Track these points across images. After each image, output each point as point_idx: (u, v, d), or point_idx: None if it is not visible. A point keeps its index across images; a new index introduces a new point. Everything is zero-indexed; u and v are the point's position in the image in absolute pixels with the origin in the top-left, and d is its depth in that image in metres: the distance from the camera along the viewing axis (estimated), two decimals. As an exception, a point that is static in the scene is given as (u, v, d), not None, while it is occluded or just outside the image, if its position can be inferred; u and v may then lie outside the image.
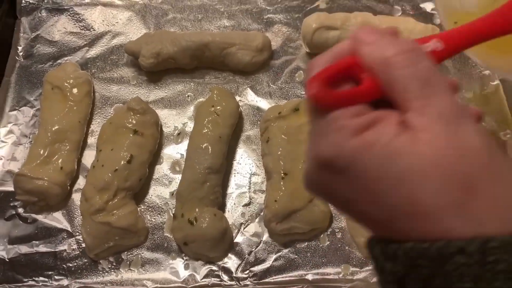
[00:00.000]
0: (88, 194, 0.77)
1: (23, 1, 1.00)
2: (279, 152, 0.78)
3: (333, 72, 0.37)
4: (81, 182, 0.84)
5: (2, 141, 0.88)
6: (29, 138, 0.88)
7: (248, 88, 0.91)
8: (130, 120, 0.82)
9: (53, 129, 0.83)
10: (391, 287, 0.33)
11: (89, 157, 0.86)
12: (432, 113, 0.32)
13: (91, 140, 0.88)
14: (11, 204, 0.83)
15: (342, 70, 0.37)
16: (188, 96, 0.91)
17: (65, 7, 1.00)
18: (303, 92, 0.89)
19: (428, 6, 0.96)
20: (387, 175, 0.32)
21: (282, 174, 0.76)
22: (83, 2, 1.01)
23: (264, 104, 0.89)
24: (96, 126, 0.89)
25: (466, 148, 0.32)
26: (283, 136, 0.79)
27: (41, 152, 0.82)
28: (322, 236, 0.76)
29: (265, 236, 0.77)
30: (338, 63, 0.37)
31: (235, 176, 0.83)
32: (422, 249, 0.31)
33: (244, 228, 0.78)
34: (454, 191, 0.31)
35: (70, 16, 1.00)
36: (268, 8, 0.98)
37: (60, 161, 0.82)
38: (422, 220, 0.32)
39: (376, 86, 0.35)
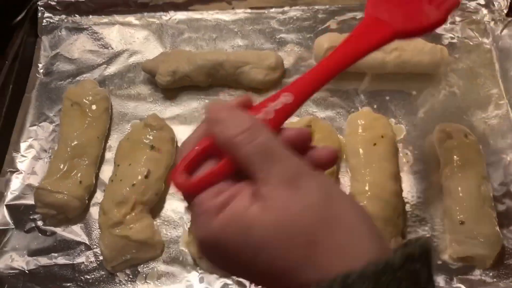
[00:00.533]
0: (106, 207, 0.80)
1: (44, 21, 1.04)
2: (292, 168, 0.80)
3: (192, 158, 0.41)
4: (98, 196, 0.86)
5: (23, 156, 0.91)
6: (49, 152, 0.91)
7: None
8: (147, 136, 0.85)
9: (73, 144, 0.86)
10: None
11: (106, 171, 0.88)
12: (274, 181, 0.37)
13: (109, 155, 0.90)
14: (31, 217, 0.85)
15: (201, 153, 0.41)
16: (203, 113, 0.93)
17: (84, 26, 1.04)
18: (315, 110, 0.92)
19: (436, 27, 0.98)
20: (245, 249, 0.37)
21: (295, 190, 0.78)
22: (102, 21, 1.05)
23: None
24: (113, 141, 0.91)
25: (307, 204, 0.37)
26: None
27: (61, 166, 0.84)
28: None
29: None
30: (197, 148, 0.42)
31: (248, 191, 0.85)
32: None
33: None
34: (300, 248, 0.36)
35: (89, 35, 1.03)
36: (280, 28, 1.01)
37: (79, 175, 0.84)
38: (285, 281, 0.36)
39: (231, 162, 0.40)
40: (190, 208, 0.41)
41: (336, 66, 0.51)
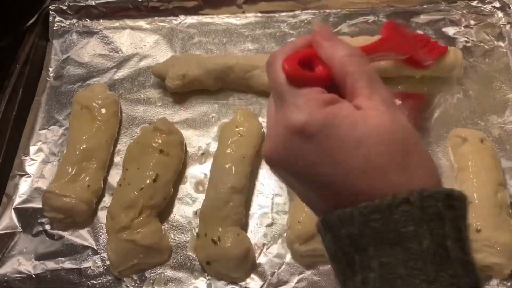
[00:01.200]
0: (114, 211, 0.79)
1: (55, 25, 1.05)
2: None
3: (301, 57, 0.45)
4: (107, 200, 0.85)
5: (32, 159, 0.91)
6: (58, 156, 0.91)
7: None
8: (156, 140, 0.84)
9: (81, 147, 0.86)
10: (346, 250, 0.39)
11: (115, 175, 0.87)
12: (377, 99, 0.42)
13: (117, 159, 0.89)
14: (39, 221, 0.84)
15: (306, 57, 0.45)
16: (212, 117, 0.93)
17: (95, 30, 1.04)
18: (326, 114, 0.90)
19: (450, 31, 0.97)
20: (348, 138, 0.40)
21: (306, 195, 0.76)
22: (112, 25, 1.05)
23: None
24: (122, 145, 0.91)
25: (401, 124, 0.41)
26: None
27: (69, 170, 0.84)
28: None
29: (288, 258, 0.77)
30: (302, 51, 0.46)
31: (257, 196, 0.84)
32: (374, 205, 0.38)
33: (267, 249, 0.78)
34: (397, 153, 0.40)
35: (99, 39, 1.03)
36: (291, 32, 1.00)
37: (87, 179, 0.84)
38: (373, 176, 0.39)
39: (329, 75, 0.44)
40: (286, 96, 0.43)
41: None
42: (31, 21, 1.07)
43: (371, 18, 0.99)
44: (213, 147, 0.88)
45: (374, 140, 0.40)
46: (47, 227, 0.84)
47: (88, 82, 0.99)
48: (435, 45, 0.88)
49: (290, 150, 0.42)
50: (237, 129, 0.84)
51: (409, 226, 0.38)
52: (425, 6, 0.99)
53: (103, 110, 0.90)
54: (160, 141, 0.84)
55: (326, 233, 0.42)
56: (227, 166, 0.81)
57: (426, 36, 0.90)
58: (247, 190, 0.81)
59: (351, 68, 0.43)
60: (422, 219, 0.38)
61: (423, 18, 0.98)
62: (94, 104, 0.90)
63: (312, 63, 0.45)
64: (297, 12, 1.02)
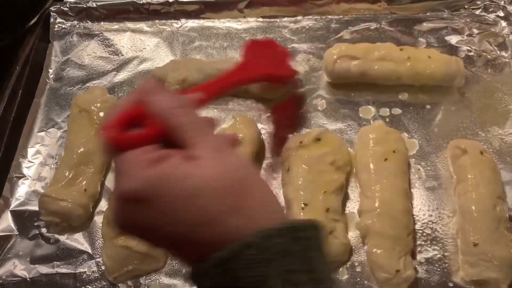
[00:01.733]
0: (110, 217, 0.79)
1: (56, 26, 1.04)
2: (300, 182, 0.78)
3: (124, 117, 0.45)
4: (103, 204, 0.85)
5: (30, 161, 0.90)
6: (55, 159, 0.90)
7: (271, 115, 0.91)
8: (153, 145, 0.84)
9: (79, 151, 0.85)
10: None
11: (112, 179, 0.87)
12: (206, 146, 0.43)
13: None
14: (35, 224, 0.84)
15: (131, 116, 0.45)
16: (210, 122, 0.92)
17: (96, 33, 1.04)
18: (325, 122, 0.90)
19: (453, 39, 0.96)
20: (180, 193, 0.40)
21: (302, 204, 0.76)
22: (113, 28, 1.04)
23: (286, 132, 0.89)
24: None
25: (231, 166, 0.43)
26: (303, 165, 0.79)
27: (67, 173, 0.84)
28: (341, 269, 0.75)
29: (284, 267, 0.76)
30: (127, 110, 0.45)
31: (255, 204, 0.83)
32: (220, 257, 0.39)
33: (262, 258, 0.78)
34: (231, 198, 0.41)
35: (100, 41, 1.03)
36: (292, 37, 0.99)
37: (84, 183, 0.84)
38: (214, 226, 0.40)
39: (160, 130, 0.44)
40: (116, 164, 0.43)
41: (237, 79, 0.75)
42: (32, 22, 1.07)
43: (373, 25, 0.99)
44: (211, 153, 0.88)
45: (206, 190, 0.40)
46: (43, 230, 0.84)
47: (87, 84, 0.98)
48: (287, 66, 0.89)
49: (128, 218, 0.42)
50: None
51: (257, 269, 0.39)
52: (428, 14, 0.99)
53: (102, 114, 0.89)
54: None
55: (196, 285, 0.42)
56: (224, 173, 0.80)
57: (286, 52, 0.91)
58: (244, 197, 0.81)
59: (178, 120, 0.44)
60: (267, 259, 0.39)
61: (425, 26, 0.98)
62: (93, 107, 0.89)
63: (143, 121, 0.45)
64: (299, 17, 1.01)
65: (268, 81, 0.87)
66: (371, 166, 0.79)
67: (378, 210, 0.74)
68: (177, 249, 0.43)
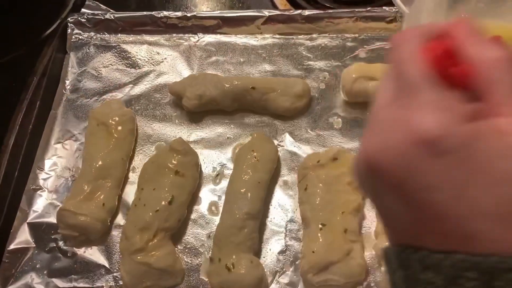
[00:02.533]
0: (129, 233, 0.79)
1: (73, 37, 1.05)
2: (317, 202, 0.79)
3: (443, 48, 0.36)
4: (120, 217, 0.86)
5: (46, 173, 0.91)
6: (72, 171, 0.91)
7: (287, 133, 0.92)
8: (172, 161, 0.84)
9: (97, 165, 0.86)
10: None
11: (129, 193, 0.88)
12: None
13: (133, 176, 0.90)
14: (52, 237, 0.85)
15: (446, 51, 0.36)
16: (227, 138, 0.93)
17: (113, 44, 1.04)
18: (341, 141, 0.91)
19: (467, 61, 0.97)
20: (487, 173, 0.31)
21: (320, 225, 0.77)
22: (130, 40, 1.05)
23: (302, 150, 0.90)
24: (137, 162, 0.91)
25: None
26: (321, 185, 0.80)
27: (85, 187, 0.84)
28: (357, 289, 0.77)
29: (300, 286, 0.77)
30: (443, 42, 0.37)
31: (271, 221, 0.84)
32: (473, 262, 0.30)
33: (279, 276, 0.79)
34: None
35: (117, 53, 1.04)
36: (308, 55, 1.00)
37: (102, 197, 0.84)
38: (508, 225, 0.31)
39: (470, 78, 0.35)
40: (426, 94, 0.34)
41: None
42: (48, 31, 1.08)
43: (388, 44, 1.00)
44: (227, 168, 0.89)
45: None
46: (61, 243, 0.84)
47: (104, 96, 0.99)
48: None
49: (408, 161, 0.33)
50: (252, 153, 0.85)
51: None
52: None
53: (120, 127, 0.90)
54: (176, 162, 0.85)
55: (397, 268, 0.34)
56: (242, 191, 0.81)
57: None
58: (261, 215, 0.82)
59: (501, 76, 0.34)
60: None
61: (440, 47, 0.99)
62: (111, 121, 0.90)
63: (450, 59, 0.36)
64: (314, 35, 1.02)
65: None
66: (388, 187, 0.80)
67: (396, 232, 0.75)
68: (422, 222, 0.33)
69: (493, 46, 0.36)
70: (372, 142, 0.35)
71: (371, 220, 0.82)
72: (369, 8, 1.00)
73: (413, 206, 0.33)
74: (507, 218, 0.31)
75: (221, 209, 0.84)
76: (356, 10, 1.00)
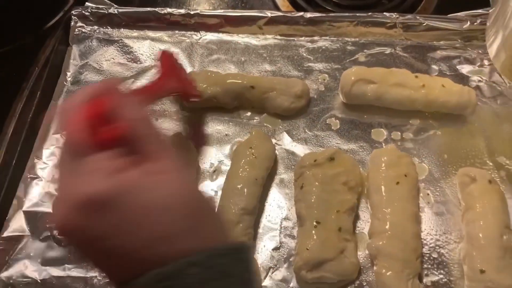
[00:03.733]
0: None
1: (76, 30, 1.05)
2: (313, 200, 0.80)
3: (92, 115, 0.45)
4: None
5: (44, 163, 0.91)
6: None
7: (285, 132, 0.93)
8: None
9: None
10: None
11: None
12: (167, 163, 0.44)
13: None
14: (48, 226, 0.85)
15: (98, 114, 0.46)
16: (226, 135, 0.94)
17: (115, 39, 1.05)
18: (338, 141, 0.92)
19: (464, 69, 0.98)
20: (139, 207, 0.41)
21: (315, 223, 0.77)
22: (133, 35, 1.06)
23: (299, 149, 0.91)
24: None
25: (190, 186, 0.45)
26: (317, 183, 0.81)
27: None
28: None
29: (293, 283, 0.78)
30: (95, 106, 0.46)
31: (266, 218, 0.85)
32: (164, 271, 0.39)
33: (272, 273, 0.79)
34: (189, 219, 0.42)
35: (119, 47, 1.04)
36: (309, 57, 1.01)
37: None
38: (169, 244, 0.41)
39: (122, 133, 0.45)
40: (72, 163, 0.43)
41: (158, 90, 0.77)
42: (52, 22, 1.09)
43: (388, 49, 1.01)
44: (225, 165, 0.90)
45: (165, 207, 0.41)
46: (56, 232, 0.84)
47: (105, 89, 0.99)
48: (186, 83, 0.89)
49: (80, 223, 0.41)
50: (251, 150, 0.86)
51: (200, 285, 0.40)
52: (441, 42, 1.01)
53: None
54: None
55: None
56: (239, 186, 0.82)
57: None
58: (257, 211, 0.83)
59: (141, 131, 0.45)
60: (209, 279, 0.40)
61: (439, 53, 1.00)
62: (110, 113, 0.90)
63: (104, 116, 0.46)
64: (316, 37, 1.03)
65: (178, 93, 0.90)
66: (383, 188, 0.81)
67: (389, 232, 0.76)
68: (116, 265, 0.42)
69: (133, 106, 0.47)
70: (56, 210, 0.44)
71: (365, 220, 0.83)
72: (370, 14, 1.01)
73: (102, 251, 0.42)
74: (165, 237, 0.41)
75: (217, 204, 0.85)
76: (358, 14, 1.02)
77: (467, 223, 0.79)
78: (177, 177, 0.44)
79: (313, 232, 0.77)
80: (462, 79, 0.97)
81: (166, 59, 0.84)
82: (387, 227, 0.77)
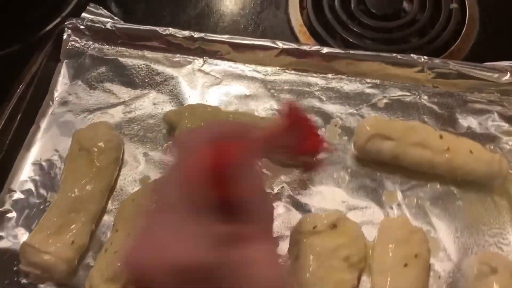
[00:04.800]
0: (95, 282, 0.71)
1: (69, 44, 0.96)
2: (307, 276, 0.70)
3: (217, 164, 0.43)
4: (90, 257, 0.78)
5: (19, 195, 0.83)
6: (48, 195, 0.83)
7: (285, 184, 0.83)
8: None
9: (72, 195, 0.78)
10: None
11: (105, 225, 0.80)
12: (271, 249, 0.45)
13: (112, 206, 0.82)
14: (14, 269, 0.77)
15: (223, 166, 0.43)
16: (220, 181, 0.84)
17: (110, 57, 0.96)
18: (344, 200, 0.81)
19: (498, 128, 0.86)
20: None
21: (307, 306, 0.68)
22: (130, 55, 0.96)
23: (299, 207, 0.81)
24: (119, 192, 0.83)
25: (282, 278, 0.44)
26: (313, 257, 0.71)
27: (55, 219, 0.77)
28: None
29: None
30: (221, 154, 0.44)
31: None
32: None
33: None
34: None
35: (113, 68, 0.95)
36: (321, 97, 0.90)
37: (73, 232, 0.76)
38: None
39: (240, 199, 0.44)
40: (185, 216, 0.42)
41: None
42: (46, 29, 1.00)
43: (411, 96, 0.89)
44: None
45: None
46: (21, 277, 0.77)
47: (93, 114, 0.91)
48: (316, 139, 0.75)
49: (170, 286, 0.39)
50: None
51: None
52: (474, 94, 0.89)
53: (103, 157, 0.82)
54: (158, 204, 0.76)
55: None
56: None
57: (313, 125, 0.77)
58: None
59: (255, 206, 0.44)
60: None
61: (470, 106, 0.88)
62: (94, 148, 0.82)
63: (228, 170, 0.43)
64: (331, 75, 0.92)
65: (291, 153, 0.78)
66: (389, 271, 0.71)
67: (390, 327, 0.67)
68: None
69: (258, 172, 0.46)
70: (143, 265, 0.40)
71: (365, 300, 0.73)
72: (395, 55, 0.89)
73: None
74: None
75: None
76: (382, 54, 0.90)
77: (482, 326, 0.68)
78: (277, 267, 0.43)
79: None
80: (494, 140, 0.85)
81: (293, 111, 0.70)
82: (389, 318, 0.67)
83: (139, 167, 0.86)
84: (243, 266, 0.40)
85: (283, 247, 0.77)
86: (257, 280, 0.40)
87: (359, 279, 0.74)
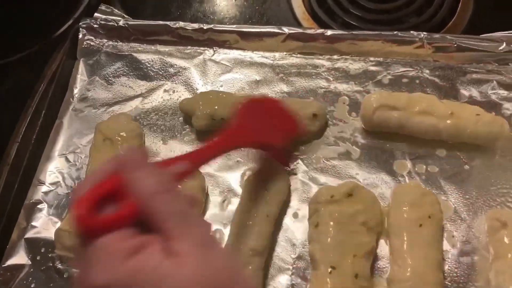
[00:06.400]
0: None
1: (84, 43, 1.01)
2: (328, 242, 0.74)
3: (97, 193, 0.42)
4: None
5: (48, 187, 0.88)
6: (75, 185, 0.87)
7: (300, 161, 0.88)
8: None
9: (100, 183, 0.82)
10: None
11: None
12: (189, 240, 0.40)
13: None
14: (50, 255, 0.81)
15: (106, 191, 0.42)
16: (237, 161, 0.88)
17: (125, 53, 1.00)
18: (357, 172, 0.86)
19: (498, 95, 0.90)
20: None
21: (330, 268, 0.72)
22: (143, 50, 1.00)
23: (315, 180, 0.85)
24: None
25: (215, 267, 0.40)
26: (333, 223, 0.76)
27: (86, 206, 0.81)
28: None
29: (304, 330, 0.73)
30: (102, 184, 0.43)
31: (278, 256, 0.79)
32: None
33: (283, 318, 0.75)
34: None
35: (128, 63, 0.99)
36: (328, 77, 0.95)
37: (102, 217, 0.81)
38: None
39: (137, 210, 0.41)
40: (84, 250, 0.41)
41: (223, 146, 0.71)
42: (60, 30, 1.05)
43: (414, 71, 0.94)
44: (234, 194, 0.85)
45: None
46: (57, 262, 0.81)
47: (112, 108, 0.95)
48: (289, 122, 0.82)
49: None
50: (262, 183, 0.81)
51: None
52: (473, 65, 0.93)
53: (126, 145, 0.86)
54: (180, 186, 0.80)
55: None
56: (249, 223, 0.77)
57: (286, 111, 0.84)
58: (267, 252, 0.77)
59: (160, 207, 0.41)
60: None
61: (470, 77, 0.92)
62: (117, 137, 0.86)
63: (118, 195, 0.42)
64: (336, 56, 0.96)
65: (260, 148, 0.83)
66: (405, 232, 0.75)
67: (410, 282, 0.71)
68: None
69: (150, 179, 0.42)
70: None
71: (384, 261, 0.77)
72: (396, 32, 0.94)
73: None
74: None
75: (226, 237, 0.80)
76: (383, 33, 0.94)
77: (496, 274, 0.72)
78: (200, 257, 0.39)
79: (328, 279, 0.71)
80: (495, 107, 0.89)
81: (246, 108, 0.77)
82: (408, 275, 0.71)
83: (160, 154, 0.90)
84: (159, 269, 0.38)
85: (302, 214, 0.81)
86: (179, 280, 0.38)
87: (377, 242, 0.78)
